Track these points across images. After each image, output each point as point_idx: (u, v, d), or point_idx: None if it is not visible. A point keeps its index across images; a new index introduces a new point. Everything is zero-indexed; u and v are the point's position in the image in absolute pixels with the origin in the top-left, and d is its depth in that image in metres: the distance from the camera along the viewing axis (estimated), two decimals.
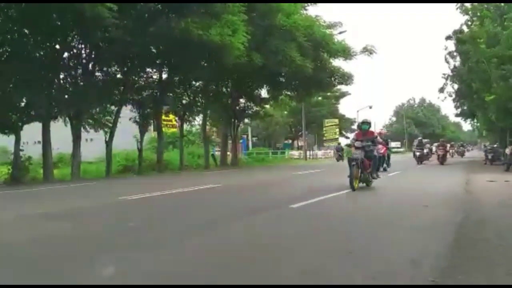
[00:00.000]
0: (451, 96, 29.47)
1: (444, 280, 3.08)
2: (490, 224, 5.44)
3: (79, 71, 16.84)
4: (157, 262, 3.69)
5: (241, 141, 37.16)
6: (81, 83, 16.54)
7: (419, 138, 28.06)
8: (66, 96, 16.83)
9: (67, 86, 16.69)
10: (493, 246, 4.22)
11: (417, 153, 23.42)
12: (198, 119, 26.71)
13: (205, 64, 18.44)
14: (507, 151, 17.49)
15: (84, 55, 16.79)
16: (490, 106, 20.18)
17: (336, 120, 47.61)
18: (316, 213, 6.43)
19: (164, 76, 20.26)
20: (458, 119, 53.15)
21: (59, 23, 14.35)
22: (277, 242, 4.50)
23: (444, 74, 27.88)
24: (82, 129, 17.27)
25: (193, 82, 22.15)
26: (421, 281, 3.08)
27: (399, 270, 3.36)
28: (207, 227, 5.34)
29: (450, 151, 37.54)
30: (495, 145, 25.52)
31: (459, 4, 22.15)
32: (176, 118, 24.87)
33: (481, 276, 3.23)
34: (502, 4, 20.01)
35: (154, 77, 20.25)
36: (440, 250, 3.98)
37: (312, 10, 22.59)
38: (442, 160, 22.50)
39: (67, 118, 17.03)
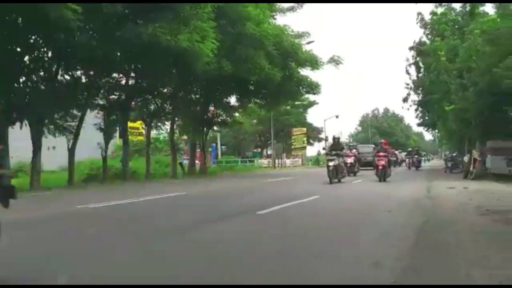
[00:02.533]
0: (415, 104, 30.39)
1: (405, 281, 3.13)
2: (449, 227, 5.62)
3: (41, 74, 16.21)
4: (114, 268, 3.55)
5: (210, 149, 36.89)
6: (43, 87, 15.91)
7: (335, 135, 18.13)
8: (26, 101, 16.14)
9: (28, 90, 15.99)
10: (452, 248, 4.35)
11: (330, 164, 13.87)
12: (166, 127, 26.32)
13: (174, 70, 18.24)
14: (465, 159, 18.30)
15: (46, 58, 16.19)
16: (449, 116, 21.09)
17: (304, 129, 48.22)
18: (282, 219, 6.43)
19: (132, 81, 19.86)
20: (421, 129, 54.42)
21: (21, 25, 13.79)
22: (240, 248, 4.44)
23: (407, 84, 28.91)
24: (43, 135, 16.58)
25: (161, 89, 21.82)
26: (383, 282, 3.11)
27: (362, 272, 3.39)
28: (170, 234, 5.22)
29: (408, 160, 31.26)
30: (454, 154, 26.60)
31: (419, 18, 23.23)
32: (143, 125, 24.38)
33: (441, 277, 3.31)
34: (460, 19, 21.16)
35: (122, 82, 19.79)
36: (402, 252, 4.06)
37: (281, 19, 22.90)
38: (381, 174, 14.99)
39: (27, 124, 16.32)
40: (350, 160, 17.93)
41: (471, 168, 16.46)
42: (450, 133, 29.81)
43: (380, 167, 15.09)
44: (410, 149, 34.35)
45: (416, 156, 30.33)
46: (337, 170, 14.05)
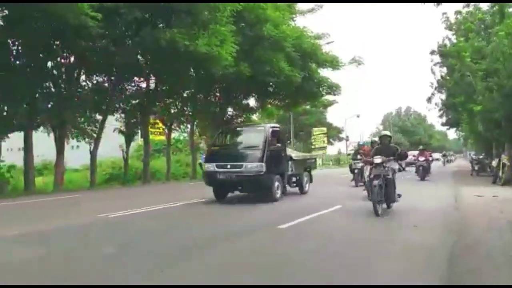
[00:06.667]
0: (438, 106, 29.63)
1: None
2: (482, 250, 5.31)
3: (64, 80, 16.45)
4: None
5: None
6: (65, 92, 16.14)
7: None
8: (49, 105, 16.46)
9: (51, 95, 16.26)
10: (487, 278, 4.08)
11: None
12: (187, 128, 26.40)
13: (193, 74, 18.22)
14: (494, 163, 17.63)
15: (68, 64, 16.40)
16: (476, 117, 20.32)
17: (324, 129, 47.72)
18: (305, 234, 6.23)
19: (152, 85, 19.94)
20: (444, 128, 52.71)
21: (43, 32, 13.98)
22: (264, 268, 4.27)
23: (431, 83, 28.10)
24: (66, 141, 16.91)
25: (181, 91, 21.86)
26: None
27: None
28: (191, 251, 5.11)
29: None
30: (481, 156, 25.76)
31: (443, 18, 22.45)
32: (164, 127, 24.53)
33: None
34: (488, 18, 20.28)
35: (142, 85, 19.89)
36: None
37: (300, 21, 22.65)
38: None
39: (49, 128, 16.72)
40: None
41: (500, 174, 15.84)
42: (476, 134, 28.80)
43: None
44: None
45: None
46: None
